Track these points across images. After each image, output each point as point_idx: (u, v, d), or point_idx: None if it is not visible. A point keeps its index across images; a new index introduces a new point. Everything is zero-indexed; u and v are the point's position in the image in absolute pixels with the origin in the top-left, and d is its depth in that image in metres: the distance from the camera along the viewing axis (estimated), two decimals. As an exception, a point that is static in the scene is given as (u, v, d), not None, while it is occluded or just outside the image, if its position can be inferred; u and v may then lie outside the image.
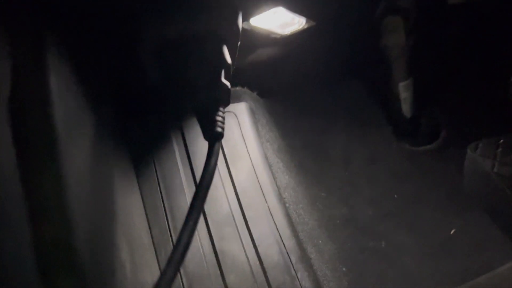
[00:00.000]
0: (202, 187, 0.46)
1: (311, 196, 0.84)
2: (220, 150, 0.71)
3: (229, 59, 0.55)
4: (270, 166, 0.73)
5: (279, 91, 0.89)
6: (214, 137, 0.51)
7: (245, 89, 0.82)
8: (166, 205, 0.63)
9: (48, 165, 0.40)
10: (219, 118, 0.52)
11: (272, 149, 0.79)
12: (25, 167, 0.38)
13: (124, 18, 0.58)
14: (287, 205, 0.72)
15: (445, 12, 0.82)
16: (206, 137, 0.52)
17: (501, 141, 0.65)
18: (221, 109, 0.54)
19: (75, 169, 0.44)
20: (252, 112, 0.77)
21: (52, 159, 0.40)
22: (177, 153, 0.68)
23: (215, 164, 0.49)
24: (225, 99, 0.55)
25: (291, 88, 0.90)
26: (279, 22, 0.65)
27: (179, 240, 0.42)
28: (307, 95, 0.93)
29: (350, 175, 0.89)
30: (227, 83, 0.55)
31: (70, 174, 0.42)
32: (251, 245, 0.63)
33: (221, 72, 0.55)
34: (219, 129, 0.52)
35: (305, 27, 0.67)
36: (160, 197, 0.64)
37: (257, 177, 0.69)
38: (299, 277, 0.62)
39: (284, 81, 0.87)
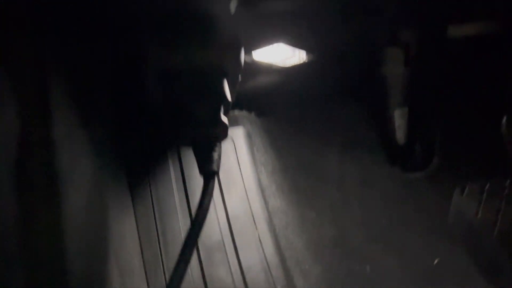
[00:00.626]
0: (196, 225, 0.48)
1: (302, 217, 0.85)
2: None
3: (229, 96, 0.57)
4: (263, 190, 0.75)
5: (277, 112, 0.90)
6: (209, 175, 0.53)
7: (243, 112, 0.83)
8: (159, 229, 0.65)
9: (48, 201, 0.42)
10: (215, 156, 0.54)
11: (266, 171, 0.81)
12: (28, 204, 0.40)
13: (130, 46, 0.59)
14: (277, 230, 0.74)
15: (445, 46, 0.83)
16: (201, 172, 0.54)
17: (487, 186, 0.67)
18: (217, 144, 0.55)
19: (73, 200, 0.45)
20: (249, 137, 0.78)
21: (53, 194, 0.42)
22: (172, 176, 0.70)
23: (209, 202, 0.51)
24: (223, 135, 0.56)
25: (288, 109, 0.91)
26: (281, 56, 0.66)
27: (172, 280, 0.44)
28: (304, 116, 0.94)
29: (342, 197, 0.91)
30: (225, 120, 0.56)
31: (68, 206, 0.44)
32: (239, 272, 0.65)
33: (220, 108, 0.56)
34: (214, 167, 0.53)
35: (306, 60, 0.69)
36: (154, 220, 0.66)
37: (249, 204, 0.71)
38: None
39: (282, 102, 0.88)
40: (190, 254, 0.47)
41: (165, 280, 0.60)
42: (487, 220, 0.65)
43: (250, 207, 0.71)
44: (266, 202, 0.74)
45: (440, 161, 0.93)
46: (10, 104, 0.36)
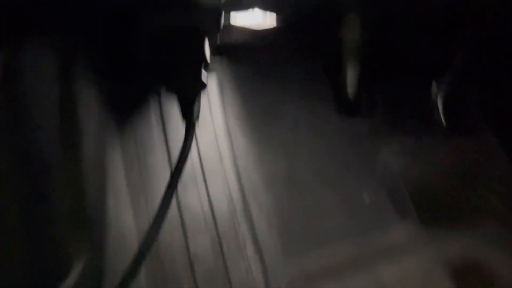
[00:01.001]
0: (178, 169, 0.60)
1: (261, 156, 0.99)
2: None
3: (208, 55, 0.67)
4: (230, 133, 0.87)
5: (247, 58, 1.00)
6: (190, 124, 0.64)
7: (216, 57, 0.93)
8: (141, 161, 0.77)
9: (75, 144, 0.53)
10: (195, 106, 0.65)
11: (233, 116, 0.92)
12: (66, 147, 0.50)
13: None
14: (240, 167, 0.87)
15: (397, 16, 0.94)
16: (184, 118, 0.65)
17: (411, 145, 0.83)
18: (198, 96, 0.66)
19: (88, 143, 0.56)
20: (220, 83, 0.89)
21: (77, 139, 0.53)
22: (153, 117, 0.80)
23: (190, 147, 0.62)
24: (202, 88, 0.67)
25: (256, 60, 1.01)
26: (255, 21, 0.76)
27: (157, 215, 0.56)
28: (270, 63, 1.04)
29: (296, 139, 1.05)
30: (205, 75, 0.66)
31: (86, 156, 0.54)
32: (207, 201, 0.79)
33: (201, 64, 0.66)
34: (195, 117, 0.64)
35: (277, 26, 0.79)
36: (137, 154, 0.77)
37: (218, 145, 0.83)
38: (240, 227, 0.80)
39: (251, 54, 0.98)
40: (172, 194, 0.59)
41: (147, 206, 0.73)
42: (407, 176, 0.82)
43: (219, 149, 0.83)
44: (232, 144, 0.87)
45: (383, 112, 1.07)
46: (49, 73, 0.45)
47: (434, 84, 0.92)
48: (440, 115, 0.91)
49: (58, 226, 0.47)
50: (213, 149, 0.83)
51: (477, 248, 0.86)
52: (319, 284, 0.87)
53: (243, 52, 0.96)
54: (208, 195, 0.79)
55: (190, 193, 0.78)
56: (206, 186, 0.80)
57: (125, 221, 0.70)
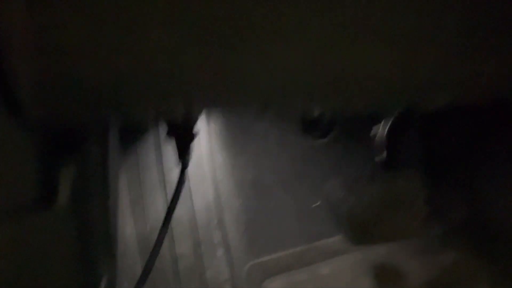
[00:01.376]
0: (171, 207, 0.80)
1: (234, 165, 1.20)
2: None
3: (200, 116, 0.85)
4: (212, 153, 1.07)
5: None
6: (184, 165, 0.84)
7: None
8: (141, 182, 0.96)
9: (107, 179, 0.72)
10: (189, 152, 0.84)
11: (215, 134, 1.12)
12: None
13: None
14: (219, 179, 1.08)
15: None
16: (179, 159, 0.84)
17: (352, 176, 1.06)
18: (191, 145, 0.85)
19: (113, 186, 0.75)
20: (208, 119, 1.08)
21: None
22: (152, 146, 0.99)
23: (182, 188, 0.82)
24: (195, 136, 0.86)
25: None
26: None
27: (157, 240, 0.77)
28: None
29: (263, 151, 1.26)
30: (197, 129, 0.85)
31: (112, 191, 0.74)
32: (191, 209, 1.00)
33: (195, 122, 0.85)
34: (187, 161, 0.84)
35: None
36: (138, 177, 0.96)
37: (202, 164, 1.03)
38: (215, 233, 1.03)
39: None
40: (167, 228, 0.79)
41: (144, 218, 0.94)
42: (346, 198, 1.05)
43: (202, 167, 1.04)
44: (213, 159, 1.07)
45: (338, 133, 1.29)
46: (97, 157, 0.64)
47: (379, 125, 1.13)
48: (379, 153, 1.14)
49: (94, 250, 0.68)
50: (197, 169, 1.04)
51: (394, 255, 1.13)
52: (272, 274, 1.12)
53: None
54: (192, 207, 1.00)
55: (178, 205, 0.99)
56: (191, 200, 1.01)
57: (128, 231, 0.90)
